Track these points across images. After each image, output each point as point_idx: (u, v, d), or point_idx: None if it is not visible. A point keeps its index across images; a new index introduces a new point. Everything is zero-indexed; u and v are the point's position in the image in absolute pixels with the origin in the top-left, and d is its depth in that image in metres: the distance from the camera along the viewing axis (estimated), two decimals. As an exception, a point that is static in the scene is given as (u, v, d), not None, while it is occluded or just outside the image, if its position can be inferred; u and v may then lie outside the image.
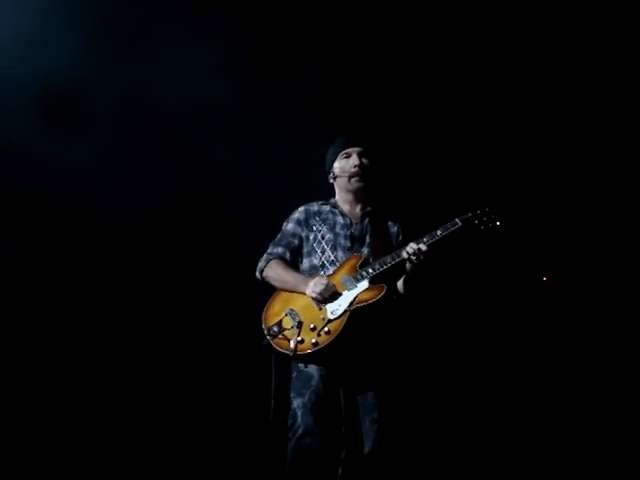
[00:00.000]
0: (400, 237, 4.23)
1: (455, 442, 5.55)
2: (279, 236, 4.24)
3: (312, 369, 3.91)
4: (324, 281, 3.93)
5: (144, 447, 5.31)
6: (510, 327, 5.80)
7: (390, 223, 4.26)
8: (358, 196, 4.23)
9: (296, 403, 3.88)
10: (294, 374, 3.97)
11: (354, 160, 4.19)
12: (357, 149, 4.23)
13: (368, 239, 4.14)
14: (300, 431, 3.82)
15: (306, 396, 3.86)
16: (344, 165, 4.21)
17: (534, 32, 5.50)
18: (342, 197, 4.27)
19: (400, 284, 4.10)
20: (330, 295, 3.91)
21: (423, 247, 3.87)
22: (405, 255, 3.90)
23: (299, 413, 3.85)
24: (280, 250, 4.18)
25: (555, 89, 5.68)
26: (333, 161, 4.27)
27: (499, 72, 5.67)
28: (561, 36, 5.50)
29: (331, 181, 4.30)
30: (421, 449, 5.40)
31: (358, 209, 4.24)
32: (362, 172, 4.18)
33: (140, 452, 5.28)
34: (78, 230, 5.50)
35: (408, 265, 3.94)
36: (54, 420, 5.26)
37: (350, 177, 4.18)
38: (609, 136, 5.72)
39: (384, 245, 4.12)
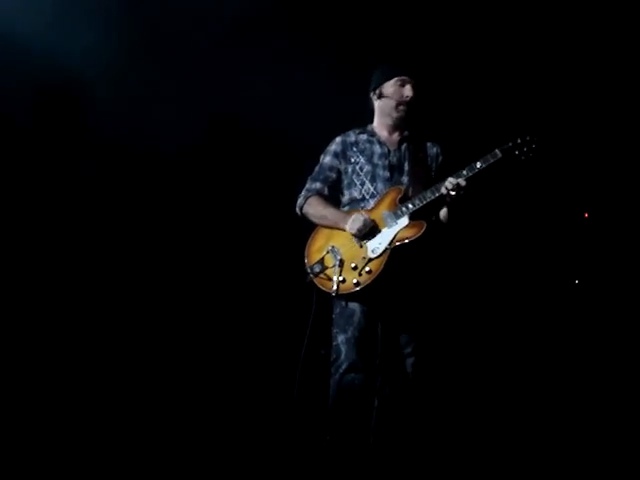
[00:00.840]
0: (440, 158, 4.18)
1: (489, 380, 5.47)
2: (317, 170, 4.20)
3: (354, 305, 3.92)
4: (361, 217, 3.90)
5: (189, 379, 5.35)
6: (548, 264, 5.64)
7: (429, 144, 4.19)
8: (398, 123, 4.15)
9: (340, 339, 3.92)
10: (337, 310, 3.98)
11: (408, 91, 4.10)
12: (413, 81, 4.13)
13: (407, 166, 4.08)
14: (344, 366, 3.86)
15: (349, 332, 3.90)
16: (396, 91, 4.11)
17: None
18: (381, 121, 4.20)
19: (441, 216, 4.05)
20: (369, 231, 3.89)
21: (462, 182, 3.82)
22: (444, 190, 3.85)
23: (343, 349, 3.89)
24: (318, 185, 4.15)
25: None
26: (384, 81, 4.15)
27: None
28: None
29: (374, 99, 4.21)
30: (454, 382, 5.35)
31: (396, 135, 4.17)
32: (411, 104, 4.10)
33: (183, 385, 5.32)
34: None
35: (448, 199, 3.88)
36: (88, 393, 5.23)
37: (398, 104, 4.10)
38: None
39: (423, 171, 4.07)
